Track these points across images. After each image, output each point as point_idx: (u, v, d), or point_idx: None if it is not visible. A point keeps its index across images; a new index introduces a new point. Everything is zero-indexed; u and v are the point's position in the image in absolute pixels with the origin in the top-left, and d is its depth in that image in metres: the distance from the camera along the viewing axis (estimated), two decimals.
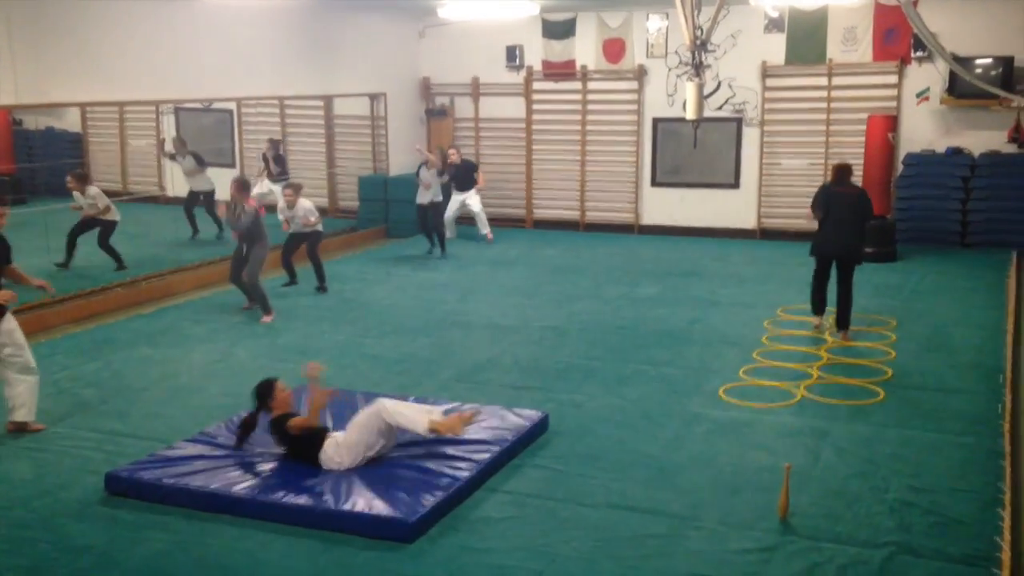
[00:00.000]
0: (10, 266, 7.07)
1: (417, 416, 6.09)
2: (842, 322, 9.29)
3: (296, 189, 11.39)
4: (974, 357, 8.65)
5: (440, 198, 13.72)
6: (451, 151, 14.65)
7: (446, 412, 6.50)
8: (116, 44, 11.03)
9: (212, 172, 14.81)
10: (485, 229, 14.82)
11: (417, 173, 13.74)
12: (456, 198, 14.80)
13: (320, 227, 11.64)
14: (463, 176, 14.75)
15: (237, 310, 10.53)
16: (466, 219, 15.19)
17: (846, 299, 9.22)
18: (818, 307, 9.63)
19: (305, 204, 11.29)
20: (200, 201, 14.12)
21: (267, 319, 10.11)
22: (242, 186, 10.37)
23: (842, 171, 9.41)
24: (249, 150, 16.39)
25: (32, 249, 10.85)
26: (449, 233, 14.75)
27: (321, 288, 11.50)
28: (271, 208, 12.20)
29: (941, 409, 7.35)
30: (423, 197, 13.57)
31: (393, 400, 6.18)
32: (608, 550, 5.22)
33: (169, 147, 14.64)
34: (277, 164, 14.96)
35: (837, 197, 9.25)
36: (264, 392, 6.30)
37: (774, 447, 6.65)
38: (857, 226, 9.25)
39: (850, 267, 9.26)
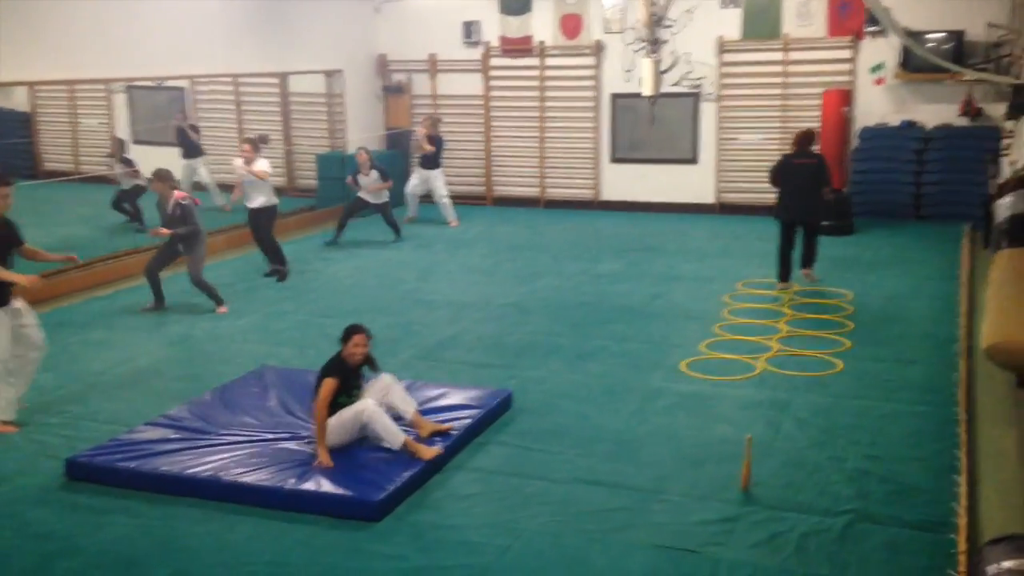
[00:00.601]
0: (23, 246, 6.91)
1: (396, 432, 6.02)
2: (807, 260, 10.29)
3: (253, 144, 11.14)
4: (928, 327, 8.82)
5: (386, 199, 13.20)
6: (425, 122, 14.32)
7: (419, 407, 6.44)
8: (66, 20, 10.78)
9: (165, 152, 14.57)
10: (451, 217, 14.32)
11: (355, 179, 13.11)
12: (420, 173, 14.43)
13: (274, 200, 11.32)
14: (430, 153, 14.30)
15: (197, 292, 10.39)
16: (428, 199, 15.08)
17: (810, 248, 10.26)
18: (783, 275, 10.20)
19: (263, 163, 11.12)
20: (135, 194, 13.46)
21: (222, 310, 9.74)
22: (164, 177, 9.62)
23: (803, 139, 10.11)
24: (204, 129, 16.14)
25: None
26: (411, 211, 14.53)
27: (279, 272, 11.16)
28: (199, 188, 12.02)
29: (897, 379, 7.50)
30: (364, 193, 13.10)
31: (379, 410, 6.08)
32: (573, 524, 5.27)
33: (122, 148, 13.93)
34: (185, 139, 14.37)
35: (794, 168, 9.99)
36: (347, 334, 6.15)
37: (735, 419, 6.75)
38: (815, 192, 10.00)
39: (812, 230, 10.20)
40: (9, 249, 6.77)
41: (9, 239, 6.76)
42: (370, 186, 12.95)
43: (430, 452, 5.93)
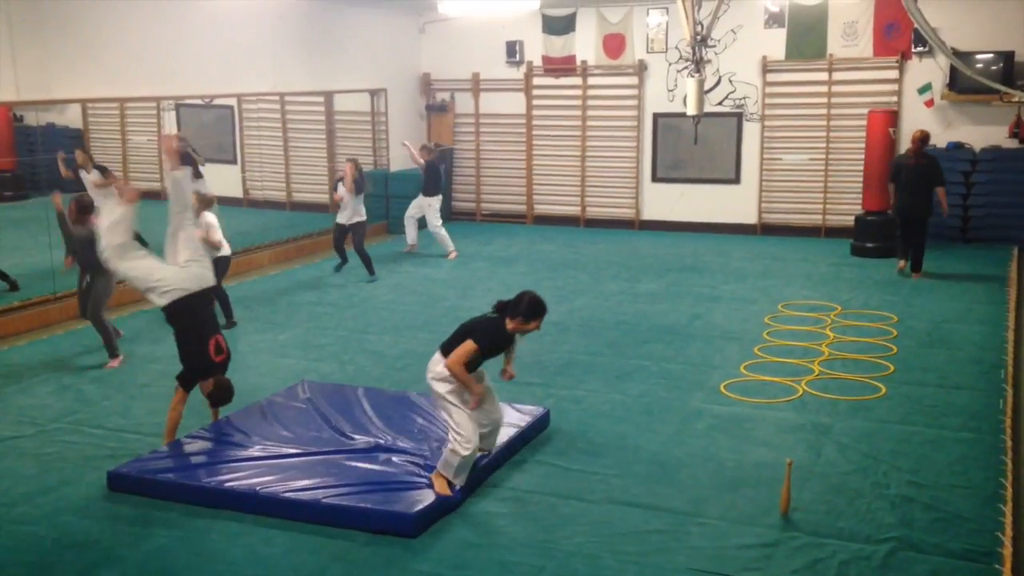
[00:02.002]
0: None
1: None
2: (915, 265, 11.63)
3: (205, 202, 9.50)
4: (975, 353, 8.66)
5: (363, 217, 12.02)
6: (421, 149, 13.40)
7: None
8: (117, 40, 11.02)
9: (213, 168, 14.77)
10: (448, 248, 13.32)
11: (335, 188, 12.21)
12: (419, 200, 13.46)
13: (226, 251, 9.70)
14: (430, 177, 13.35)
15: (241, 306, 10.51)
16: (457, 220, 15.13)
17: (918, 249, 11.60)
18: (902, 252, 11.86)
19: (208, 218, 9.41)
20: None
21: (113, 364, 8.49)
22: (84, 209, 8.59)
23: (920, 141, 11.42)
24: (250, 146, 16.41)
25: (35, 245, 10.87)
26: (410, 239, 13.64)
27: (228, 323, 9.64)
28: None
29: (942, 405, 7.36)
30: (340, 215, 12.03)
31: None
32: (609, 546, 5.23)
33: (78, 160, 12.10)
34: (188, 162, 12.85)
35: (906, 169, 11.47)
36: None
37: (775, 443, 6.67)
38: (923, 191, 11.40)
39: (921, 227, 11.52)
40: None
41: None
42: (336, 196, 11.95)
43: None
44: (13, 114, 16.46)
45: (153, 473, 5.93)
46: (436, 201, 13.32)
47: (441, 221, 13.39)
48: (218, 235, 9.44)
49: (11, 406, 7.51)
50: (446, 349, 5.77)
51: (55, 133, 16.93)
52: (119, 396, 7.74)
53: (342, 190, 11.82)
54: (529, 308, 5.73)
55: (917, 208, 11.48)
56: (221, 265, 9.37)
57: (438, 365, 5.79)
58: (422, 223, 13.61)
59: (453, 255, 13.24)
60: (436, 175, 13.38)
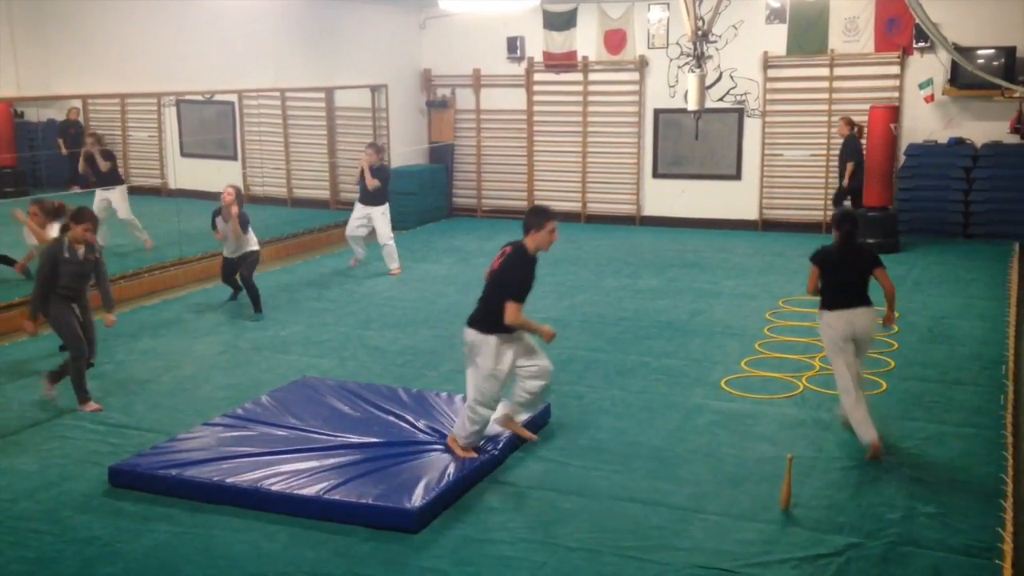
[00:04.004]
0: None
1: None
2: None
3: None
4: (976, 348, 8.65)
5: (252, 247, 10.19)
6: (368, 152, 11.84)
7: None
8: (118, 36, 11.02)
9: (213, 164, 14.76)
10: (393, 263, 11.98)
11: (213, 222, 10.29)
12: (362, 210, 11.89)
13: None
14: (382, 182, 11.85)
15: (240, 304, 10.52)
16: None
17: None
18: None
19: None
20: None
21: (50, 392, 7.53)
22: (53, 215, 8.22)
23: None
24: (251, 143, 16.39)
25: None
26: (357, 253, 12.16)
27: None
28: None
29: (943, 400, 7.36)
30: (225, 249, 10.33)
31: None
32: (610, 541, 5.23)
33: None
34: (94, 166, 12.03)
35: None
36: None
37: (776, 438, 6.67)
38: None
39: None
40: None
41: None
42: (222, 230, 10.12)
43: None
44: (14, 110, 16.45)
45: (154, 469, 5.94)
46: (386, 210, 11.89)
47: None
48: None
49: (12, 402, 7.51)
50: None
51: (56, 129, 16.91)
52: (120, 392, 7.74)
53: (220, 224, 10.12)
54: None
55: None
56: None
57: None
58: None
59: (396, 271, 11.97)
60: (387, 180, 12.08)
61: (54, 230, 8.30)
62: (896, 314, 6.82)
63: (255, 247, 10.24)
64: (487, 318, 6.05)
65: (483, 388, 6.00)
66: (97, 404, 7.31)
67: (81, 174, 12.26)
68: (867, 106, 13.54)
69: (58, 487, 5.99)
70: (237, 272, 10.25)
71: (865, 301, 6.45)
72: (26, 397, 7.64)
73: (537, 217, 6.08)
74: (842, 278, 6.44)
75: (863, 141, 13.28)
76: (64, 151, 12.29)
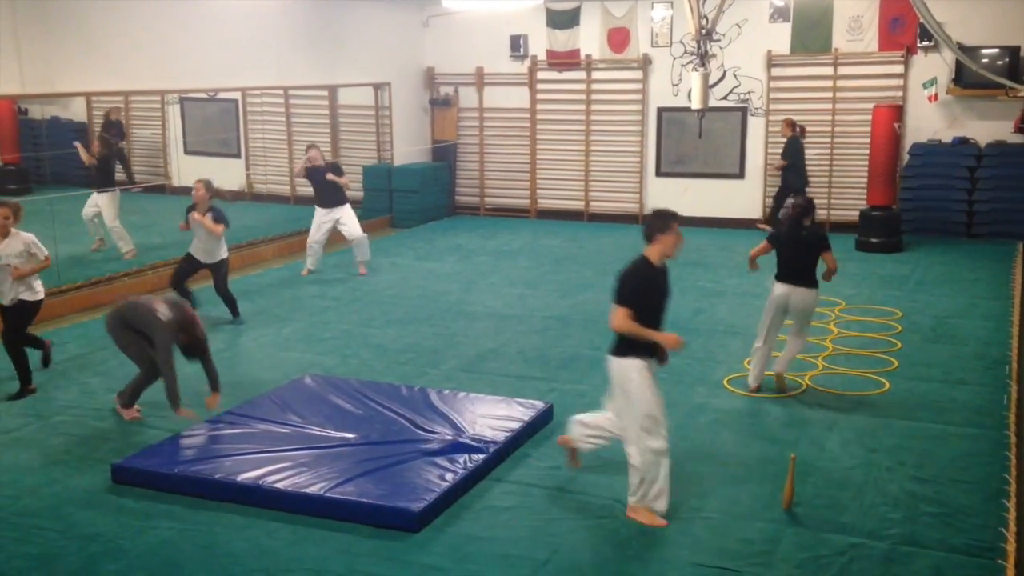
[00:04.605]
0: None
1: None
2: None
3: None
4: (979, 348, 8.64)
5: (224, 256, 9.66)
6: (312, 151, 11.50)
7: None
8: (122, 34, 11.03)
9: (218, 162, 14.77)
10: (363, 256, 11.69)
11: (186, 218, 9.72)
12: (322, 217, 11.51)
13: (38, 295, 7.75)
14: (328, 186, 11.39)
15: (243, 301, 10.52)
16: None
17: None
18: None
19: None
20: None
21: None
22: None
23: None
24: (254, 140, 16.41)
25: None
26: (309, 264, 11.72)
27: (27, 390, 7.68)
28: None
29: (946, 400, 7.35)
30: (196, 247, 9.59)
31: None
32: (612, 539, 5.23)
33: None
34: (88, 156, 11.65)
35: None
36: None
37: (779, 437, 6.66)
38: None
39: None
40: None
41: None
42: (203, 222, 9.38)
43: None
44: (18, 107, 16.48)
45: (157, 466, 5.95)
46: (349, 208, 11.62)
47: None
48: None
49: (16, 400, 7.52)
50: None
51: (59, 127, 16.93)
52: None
53: (195, 219, 9.50)
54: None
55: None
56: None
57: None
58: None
59: (364, 271, 11.70)
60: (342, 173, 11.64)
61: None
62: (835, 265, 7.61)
63: (226, 254, 9.74)
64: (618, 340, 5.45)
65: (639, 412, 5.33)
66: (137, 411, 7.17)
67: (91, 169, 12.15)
68: (871, 105, 13.53)
69: (61, 483, 6.00)
70: (190, 277, 9.64)
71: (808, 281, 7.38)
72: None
73: (661, 220, 5.49)
74: (790, 256, 7.42)
75: (869, 140, 13.27)
76: (84, 156, 12.16)
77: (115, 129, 14.30)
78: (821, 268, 7.51)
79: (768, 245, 7.60)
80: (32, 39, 9.90)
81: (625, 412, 5.43)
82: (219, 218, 9.44)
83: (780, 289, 7.43)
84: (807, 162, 13.90)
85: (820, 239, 7.45)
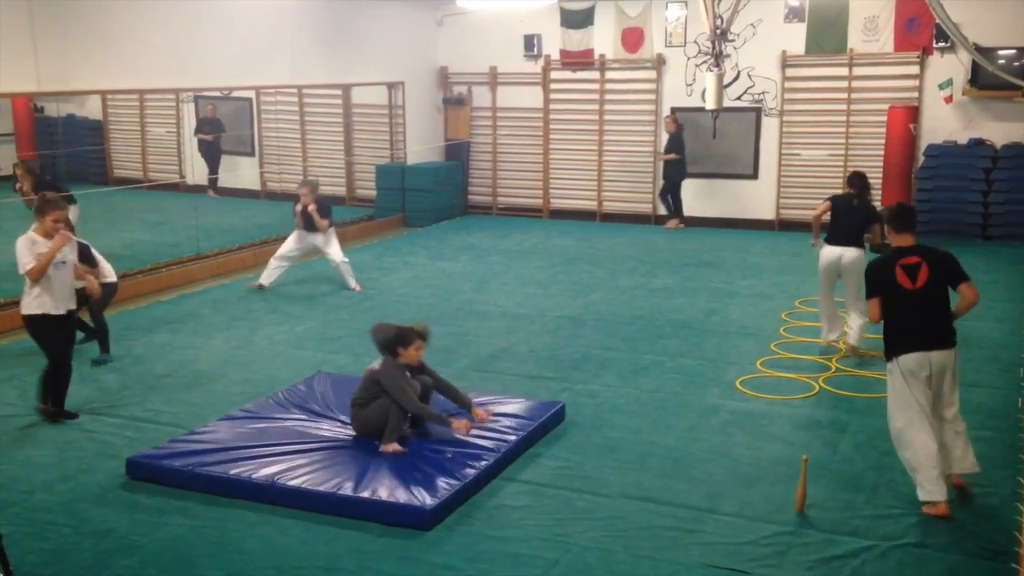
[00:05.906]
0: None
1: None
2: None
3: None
4: (993, 351, 8.60)
5: (110, 278, 8.57)
6: (305, 191, 10.97)
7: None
8: (137, 31, 11.08)
9: (231, 161, 14.81)
10: (352, 281, 11.14)
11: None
12: (303, 238, 11.10)
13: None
14: (324, 210, 11.00)
15: (257, 299, 10.57)
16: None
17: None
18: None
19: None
20: None
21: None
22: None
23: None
24: (268, 139, 16.48)
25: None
26: (267, 279, 11.06)
27: None
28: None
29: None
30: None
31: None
32: (623, 540, 5.23)
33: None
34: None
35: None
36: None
37: (791, 439, 6.65)
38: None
39: None
40: None
41: None
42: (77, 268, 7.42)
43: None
44: (34, 105, 16.60)
45: (171, 462, 5.98)
46: (332, 233, 11.15)
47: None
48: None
49: (30, 395, 7.56)
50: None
51: (75, 124, 17.05)
52: (137, 386, 7.79)
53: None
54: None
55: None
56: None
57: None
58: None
59: (357, 287, 11.10)
60: (330, 211, 11.18)
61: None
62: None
63: (112, 278, 8.61)
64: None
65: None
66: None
67: None
68: (886, 106, 13.48)
69: (75, 479, 6.04)
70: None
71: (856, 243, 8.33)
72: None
73: (898, 218, 6.12)
74: (844, 222, 8.43)
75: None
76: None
77: (208, 127, 14.48)
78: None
79: (829, 204, 8.75)
80: (48, 37, 9.96)
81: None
82: (85, 257, 8.01)
83: (833, 252, 8.43)
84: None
85: (871, 210, 8.56)
